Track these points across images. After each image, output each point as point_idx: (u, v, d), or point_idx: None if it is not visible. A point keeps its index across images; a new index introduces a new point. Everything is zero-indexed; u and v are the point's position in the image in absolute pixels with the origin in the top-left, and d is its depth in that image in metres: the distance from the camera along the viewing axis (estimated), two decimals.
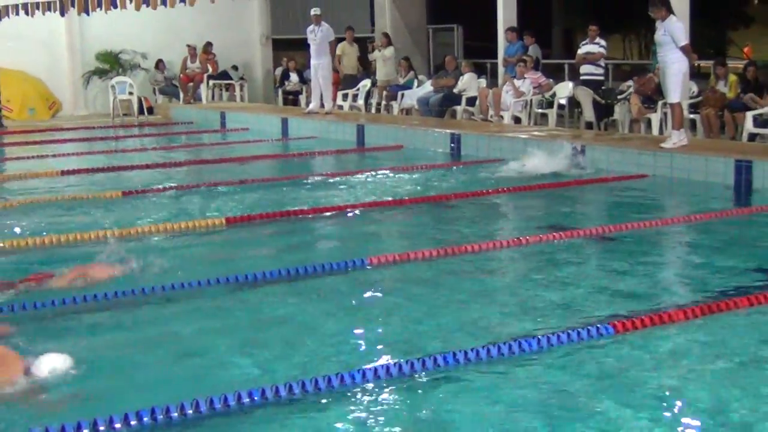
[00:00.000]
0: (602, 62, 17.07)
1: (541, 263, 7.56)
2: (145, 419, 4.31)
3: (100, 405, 4.58)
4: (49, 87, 24.54)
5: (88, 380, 4.96)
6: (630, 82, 16.38)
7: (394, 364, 4.95)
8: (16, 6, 19.50)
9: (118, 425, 4.25)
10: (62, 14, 20.05)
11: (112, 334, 5.85)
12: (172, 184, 11.77)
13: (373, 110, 20.69)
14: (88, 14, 18.42)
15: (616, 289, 6.65)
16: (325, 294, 6.68)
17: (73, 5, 18.30)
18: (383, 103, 20.67)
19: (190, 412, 4.39)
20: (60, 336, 5.72)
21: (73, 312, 6.18)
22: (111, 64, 24.49)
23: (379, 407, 4.58)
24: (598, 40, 16.99)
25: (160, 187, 11.55)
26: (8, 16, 20.16)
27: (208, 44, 24.75)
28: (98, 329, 5.91)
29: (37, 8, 19.05)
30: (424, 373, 4.92)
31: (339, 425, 4.38)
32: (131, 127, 21.69)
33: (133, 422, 4.28)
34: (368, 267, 7.28)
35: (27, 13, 19.37)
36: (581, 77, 17.10)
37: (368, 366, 4.95)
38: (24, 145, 17.84)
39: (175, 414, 4.37)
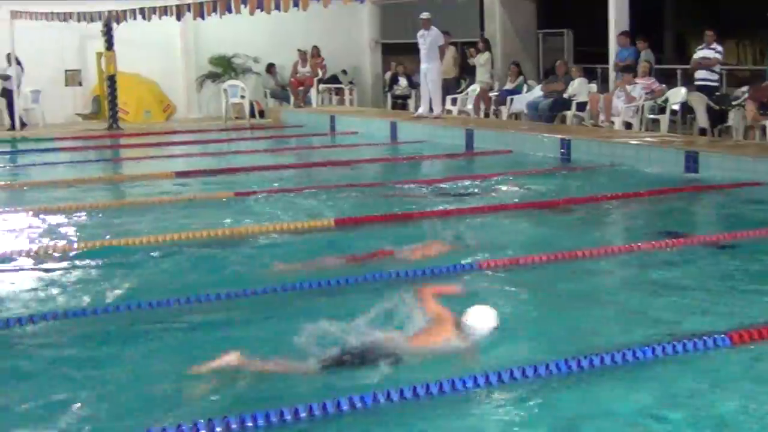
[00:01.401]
0: (717, 68, 16.74)
1: (654, 270, 7.45)
2: None
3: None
4: (164, 90, 25.10)
5: None
6: (745, 88, 16.01)
7: (518, 368, 4.92)
8: (134, 11, 19.98)
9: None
10: (178, 19, 20.46)
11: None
12: (283, 186, 11.92)
13: (482, 115, 20.64)
14: (203, 18, 18.72)
15: (732, 299, 6.52)
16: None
17: (189, 10, 18.67)
18: (492, 107, 20.62)
19: None
20: None
21: None
22: (224, 68, 24.92)
23: (504, 411, 4.55)
24: (714, 45, 16.65)
25: (271, 188, 11.70)
26: (126, 21, 20.67)
27: (317, 48, 25.01)
28: None
29: (154, 13, 19.46)
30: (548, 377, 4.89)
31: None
32: (243, 130, 22.03)
33: None
34: (479, 271, 7.25)
35: (144, 18, 19.81)
36: (696, 83, 16.78)
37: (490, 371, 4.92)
38: (139, 147, 18.26)
39: None
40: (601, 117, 17.25)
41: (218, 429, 4.19)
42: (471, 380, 4.77)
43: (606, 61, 19.56)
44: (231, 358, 4.94)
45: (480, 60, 21.16)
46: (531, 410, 4.61)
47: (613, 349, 5.19)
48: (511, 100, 20.03)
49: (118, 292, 6.89)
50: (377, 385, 4.67)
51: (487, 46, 21.48)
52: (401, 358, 5.06)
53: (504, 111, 20.13)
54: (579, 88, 18.59)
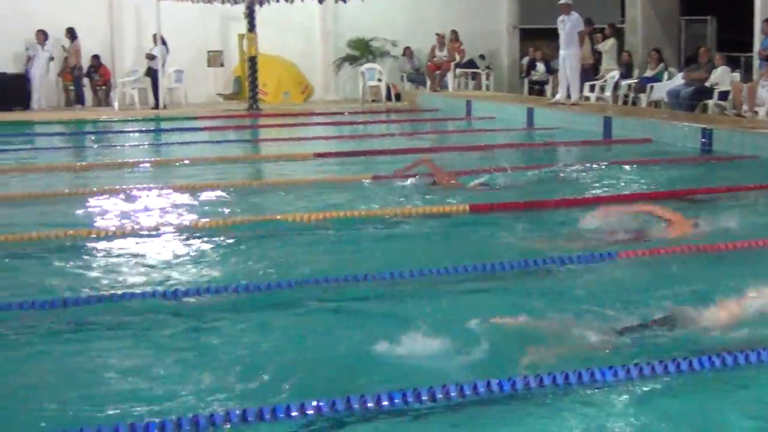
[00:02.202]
0: None
1: None
2: None
3: None
4: (302, 72, 25.46)
5: None
6: None
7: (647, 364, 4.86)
8: None
9: None
10: (320, 1, 20.74)
11: None
12: (418, 170, 11.97)
13: (620, 102, 20.34)
14: (344, 1, 18.99)
15: None
16: (568, 288, 6.63)
17: None
18: (631, 95, 20.30)
19: None
20: None
21: None
22: (362, 50, 25.13)
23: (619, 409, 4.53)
24: None
25: (406, 172, 11.75)
26: (268, 3, 21.06)
27: (455, 33, 25.02)
28: None
29: None
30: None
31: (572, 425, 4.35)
32: (379, 113, 22.21)
33: None
34: (616, 261, 7.19)
35: (286, 0, 20.14)
36: None
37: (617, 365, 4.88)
38: (278, 128, 18.59)
39: None
40: (744, 107, 16.80)
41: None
42: None
43: (750, 49, 19.03)
44: None
45: (605, 46, 20.85)
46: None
47: None
48: (651, 87, 19.68)
49: (258, 266, 7.06)
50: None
51: (614, 33, 21.15)
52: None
53: (643, 98, 19.79)
54: (722, 76, 18.14)
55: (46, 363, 4.99)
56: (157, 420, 4.03)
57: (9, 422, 4.16)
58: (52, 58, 22.95)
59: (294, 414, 4.14)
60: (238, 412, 4.10)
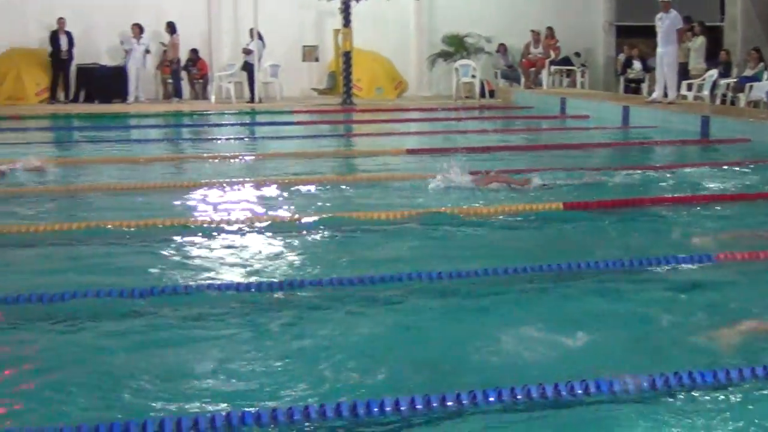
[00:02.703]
0: None
1: None
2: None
3: None
4: (396, 67, 25.53)
5: None
6: None
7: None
8: None
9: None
10: None
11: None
12: (511, 167, 11.93)
13: (717, 101, 19.97)
14: None
15: None
16: (663, 289, 6.52)
17: None
18: (729, 95, 19.92)
19: None
20: None
21: None
22: (456, 46, 25.09)
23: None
24: None
25: (500, 169, 11.70)
26: None
27: (551, 29, 24.85)
28: None
29: None
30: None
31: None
32: (472, 109, 22.16)
33: None
34: (714, 263, 7.05)
35: None
36: None
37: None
38: (371, 123, 18.68)
39: None
40: None
41: None
42: None
43: None
44: None
45: (694, 44, 20.48)
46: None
47: None
48: (750, 87, 19.27)
49: (353, 260, 7.10)
50: None
51: (703, 31, 20.76)
52: None
53: (742, 98, 19.40)
54: None
55: (141, 351, 5.06)
56: (252, 410, 4.07)
57: (109, 409, 4.24)
58: (148, 52, 23.38)
59: (387, 409, 4.14)
60: (347, 404, 4.11)
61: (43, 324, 5.46)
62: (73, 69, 23.59)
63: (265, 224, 8.30)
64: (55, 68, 23.38)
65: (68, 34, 23.17)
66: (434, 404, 4.19)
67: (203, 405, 4.27)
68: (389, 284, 6.31)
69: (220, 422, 3.95)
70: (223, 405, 4.25)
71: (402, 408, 4.15)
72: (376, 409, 4.10)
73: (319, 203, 9.45)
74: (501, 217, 8.84)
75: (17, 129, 17.82)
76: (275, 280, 6.39)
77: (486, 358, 4.94)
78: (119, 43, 23.62)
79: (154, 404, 4.26)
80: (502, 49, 25.25)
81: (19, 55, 23.54)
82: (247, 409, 4.09)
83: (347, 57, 22.53)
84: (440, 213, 8.77)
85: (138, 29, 23.11)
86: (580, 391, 4.40)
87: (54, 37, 23.12)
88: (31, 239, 7.69)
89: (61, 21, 23.04)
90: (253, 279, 6.47)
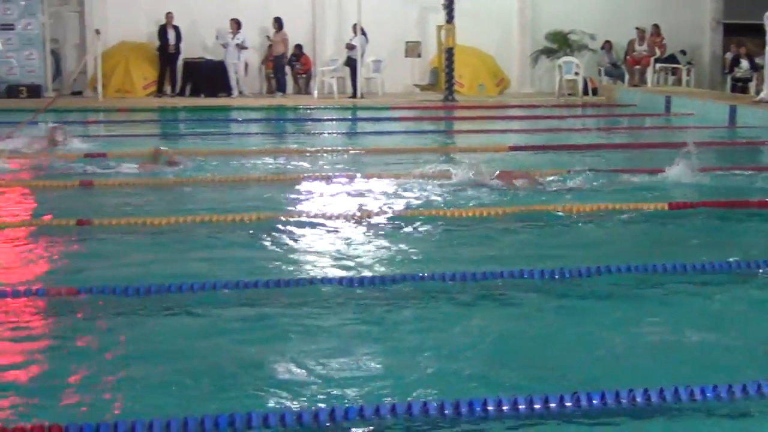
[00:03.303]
0: None
1: None
2: None
3: None
4: (498, 64, 25.46)
5: None
6: None
7: None
8: None
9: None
10: None
11: None
12: (613, 166, 11.80)
13: None
14: None
15: None
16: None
17: None
18: None
19: None
20: None
21: None
22: (559, 43, 24.90)
23: None
24: None
25: (599, 167, 11.58)
26: None
27: (657, 27, 24.51)
28: None
29: None
30: None
31: None
32: (575, 107, 21.97)
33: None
34: None
35: None
36: None
37: None
38: (472, 120, 18.67)
39: None
40: None
41: None
42: None
43: None
44: None
45: None
46: None
47: None
48: None
49: (458, 256, 7.10)
50: None
51: None
52: None
53: None
54: None
55: (250, 343, 5.09)
56: (346, 406, 4.08)
57: (217, 400, 4.30)
58: (243, 47, 23.66)
59: (490, 408, 4.10)
60: (451, 402, 4.08)
61: (157, 314, 5.55)
62: (179, 63, 24.08)
63: (365, 218, 8.35)
64: (162, 62, 23.88)
65: (176, 29, 23.64)
66: (536, 405, 4.14)
67: (313, 398, 4.28)
68: (498, 281, 6.28)
69: (323, 416, 3.96)
70: (334, 399, 4.27)
71: (504, 408, 4.10)
72: (477, 409, 4.05)
73: (420, 199, 9.47)
74: (600, 215, 8.73)
75: (126, 121, 18.26)
76: (380, 274, 6.41)
77: (594, 359, 4.90)
78: (215, 38, 24.06)
79: (260, 397, 4.30)
80: (607, 46, 24.98)
81: (129, 49, 24.10)
82: (361, 404, 4.09)
83: (449, 53, 22.53)
84: (543, 211, 8.73)
85: (235, 24, 23.46)
86: (690, 397, 4.29)
87: (162, 32, 23.61)
88: (147, 230, 7.86)
89: (169, 15, 23.52)
90: (360, 273, 6.48)
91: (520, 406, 4.12)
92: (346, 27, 24.16)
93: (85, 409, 4.07)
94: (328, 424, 3.92)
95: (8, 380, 4.42)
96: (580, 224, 8.41)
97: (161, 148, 12.04)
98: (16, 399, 4.18)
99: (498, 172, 10.37)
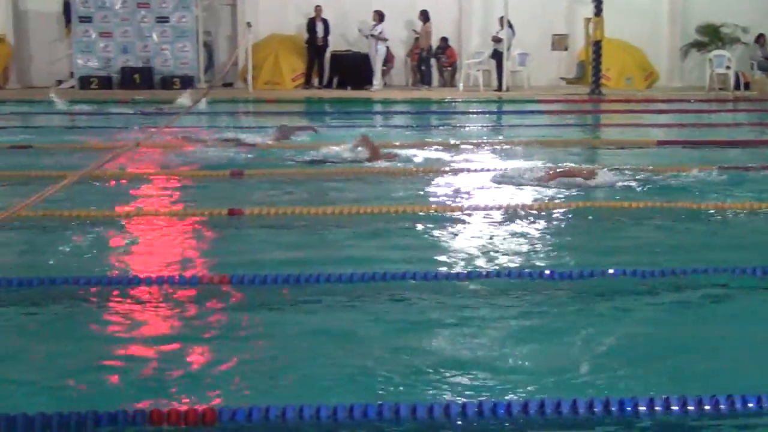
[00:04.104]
0: None
1: None
2: None
3: None
4: (647, 57, 25.01)
5: None
6: None
7: None
8: None
9: None
10: None
11: None
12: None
13: None
14: None
15: None
16: None
17: None
18: None
19: None
20: None
21: None
22: (710, 36, 24.32)
23: None
24: None
25: (752, 164, 11.25)
26: None
27: None
28: None
29: None
30: None
31: None
32: (726, 101, 21.41)
33: None
34: None
35: None
36: None
37: None
38: (620, 114, 18.40)
39: None
40: None
41: None
42: None
43: None
44: None
45: None
46: None
47: None
48: None
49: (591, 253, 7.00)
50: None
51: None
52: None
53: None
54: None
55: (391, 335, 5.12)
56: (509, 400, 4.05)
57: (354, 393, 4.35)
58: (382, 39, 23.82)
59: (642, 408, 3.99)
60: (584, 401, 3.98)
61: (306, 303, 5.64)
62: (327, 55, 24.44)
63: (510, 212, 8.31)
64: (310, 54, 24.30)
65: (324, 22, 24.01)
66: (641, 407, 3.99)
67: (449, 391, 4.29)
68: (636, 279, 6.18)
69: (457, 410, 3.90)
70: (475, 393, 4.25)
71: (612, 408, 3.96)
72: (597, 409, 3.97)
73: (564, 193, 9.37)
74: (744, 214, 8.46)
75: (275, 112, 18.64)
76: (521, 268, 6.38)
77: (710, 361, 4.79)
78: (357, 31, 24.34)
79: (398, 388, 4.31)
80: (761, 39, 24.25)
81: (278, 41, 24.60)
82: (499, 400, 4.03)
83: (597, 46, 22.26)
84: (680, 207, 8.53)
85: (378, 16, 23.66)
86: None
87: (311, 24, 24.02)
88: (285, 221, 8.01)
89: (318, 8, 23.90)
90: (503, 266, 6.46)
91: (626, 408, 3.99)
92: (493, 20, 24.10)
93: (238, 394, 4.19)
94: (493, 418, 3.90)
95: (163, 365, 4.58)
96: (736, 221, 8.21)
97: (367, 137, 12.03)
98: (172, 384, 4.32)
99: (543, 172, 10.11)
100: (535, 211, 8.27)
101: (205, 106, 18.39)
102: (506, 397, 4.11)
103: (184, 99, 18.40)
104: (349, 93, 23.06)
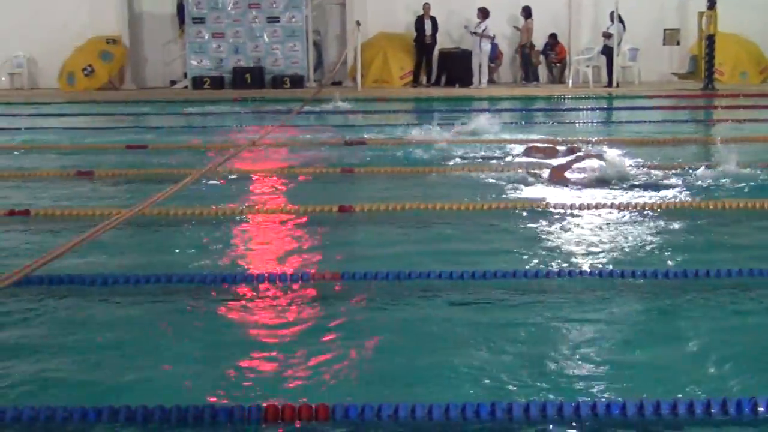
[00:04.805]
0: None
1: None
2: None
3: None
4: (763, 51, 24.43)
5: None
6: None
7: None
8: None
9: None
10: None
11: None
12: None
13: None
14: None
15: None
16: None
17: None
18: None
19: None
20: None
21: None
22: None
23: None
24: None
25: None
26: None
27: None
28: None
29: None
30: None
31: None
32: None
33: None
34: None
35: None
36: None
37: None
38: (734, 109, 18.02)
39: None
40: None
41: None
42: None
43: None
44: None
45: None
46: None
47: None
48: None
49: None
50: None
51: None
52: None
53: None
54: None
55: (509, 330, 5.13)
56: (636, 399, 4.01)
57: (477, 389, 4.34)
58: (486, 36, 23.70)
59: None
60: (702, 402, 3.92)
61: (418, 298, 5.67)
62: (435, 53, 24.48)
63: (619, 209, 8.21)
64: (418, 52, 24.37)
65: (433, 19, 24.04)
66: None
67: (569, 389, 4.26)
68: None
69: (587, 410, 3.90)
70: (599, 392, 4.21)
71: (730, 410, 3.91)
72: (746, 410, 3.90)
73: (678, 190, 9.21)
74: None
75: (384, 111, 18.74)
76: (634, 267, 6.28)
77: None
78: (463, 28, 24.32)
79: (510, 387, 4.31)
80: None
81: (387, 40, 24.73)
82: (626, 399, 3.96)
83: (710, 40, 21.83)
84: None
85: (482, 13, 23.57)
86: None
87: (419, 23, 24.07)
88: (405, 216, 8.06)
89: (426, 6, 23.95)
90: (613, 265, 6.39)
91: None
92: (603, 15, 23.82)
93: (349, 391, 4.24)
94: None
95: (276, 361, 4.65)
96: None
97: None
98: (284, 379, 4.39)
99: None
100: (636, 210, 8.16)
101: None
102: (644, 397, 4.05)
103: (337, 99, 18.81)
104: (455, 91, 23.05)
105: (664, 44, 24.61)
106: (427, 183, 9.94)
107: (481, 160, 11.31)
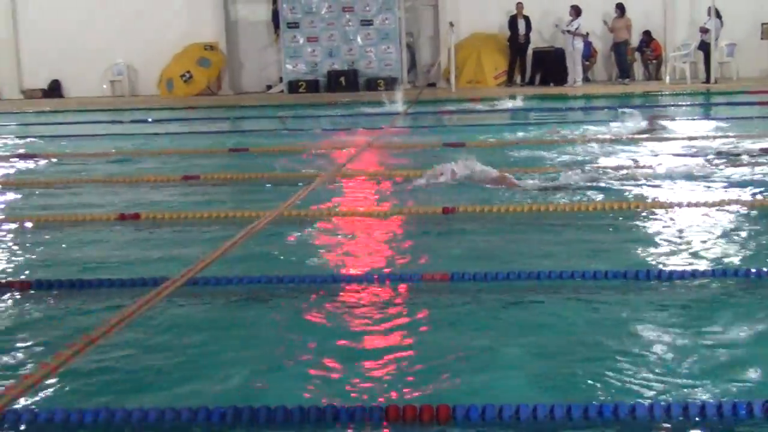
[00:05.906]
0: None
1: None
2: None
3: None
4: None
5: None
6: None
7: None
8: None
9: None
10: None
11: None
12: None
13: None
14: None
15: None
16: None
17: None
18: None
19: None
20: None
21: None
22: None
23: None
24: None
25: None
26: None
27: None
28: None
29: None
30: None
31: None
32: None
33: None
34: None
35: None
36: None
37: None
38: None
39: None
40: None
41: None
42: None
43: None
44: None
45: None
46: None
47: None
48: None
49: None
50: None
51: None
52: None
53: None
54: None
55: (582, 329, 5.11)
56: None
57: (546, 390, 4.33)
58: (578, 34, 23.45)
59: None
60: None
61: (518, 299, 5.68)
62: (529, 52, 24.38)
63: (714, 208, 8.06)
64: (512, 52, 24.30)
65: (526, 19, 23.95)
66: None
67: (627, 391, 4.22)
68: None
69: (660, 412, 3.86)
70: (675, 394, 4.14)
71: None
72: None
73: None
74: None
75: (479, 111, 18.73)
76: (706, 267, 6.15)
77: None
78: (554, 26, 24.19)
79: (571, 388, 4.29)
80: None
81: (480, 40, 24.70)
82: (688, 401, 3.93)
83: None
84: None
85: (574, 11, 23.38)
86: None
87: (512, 22, 24.00)
88: (508, 217, 8.08)
89: (519, 6, 23.87)
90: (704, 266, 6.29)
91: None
92: (699, 10, 23.46)
93: (463, 391, 4.25)
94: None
95: (389, 361, 4.66)
96: None
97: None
98: (399, 380, 4.43)
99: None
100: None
101: None
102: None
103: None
104: (549, 90, 22.92)
105: (762, 39, 24.13)
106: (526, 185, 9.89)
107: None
